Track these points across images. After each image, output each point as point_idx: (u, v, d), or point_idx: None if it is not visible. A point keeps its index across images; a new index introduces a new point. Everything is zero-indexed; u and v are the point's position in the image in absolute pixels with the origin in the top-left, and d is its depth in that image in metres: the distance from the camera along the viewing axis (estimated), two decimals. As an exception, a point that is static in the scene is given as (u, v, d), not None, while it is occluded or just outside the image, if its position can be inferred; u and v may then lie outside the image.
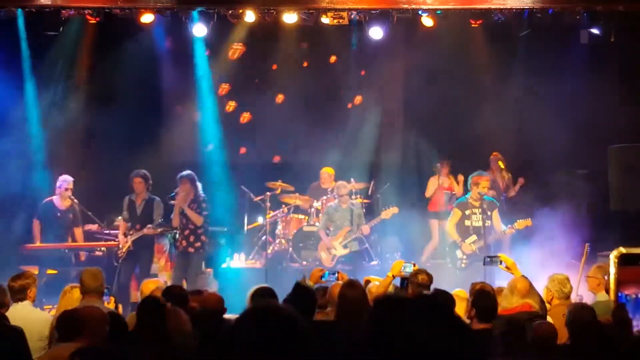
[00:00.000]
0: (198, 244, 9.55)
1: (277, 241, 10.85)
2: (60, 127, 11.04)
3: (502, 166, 11.01)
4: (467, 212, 9.27)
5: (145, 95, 11.71)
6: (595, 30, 10.29)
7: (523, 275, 6.03)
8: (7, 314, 5.46)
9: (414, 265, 6.29)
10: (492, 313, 5.21)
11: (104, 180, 10.86)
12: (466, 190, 9.84)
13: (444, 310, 2.30)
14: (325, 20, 10.17)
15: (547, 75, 10.82)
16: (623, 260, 4.37)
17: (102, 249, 9.94)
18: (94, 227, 10.43)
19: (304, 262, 10.38)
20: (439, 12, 9.97)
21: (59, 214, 9.95)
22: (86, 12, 9.87)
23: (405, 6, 9.82)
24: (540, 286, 6.22)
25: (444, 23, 10.23)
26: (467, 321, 5.16)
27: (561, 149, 10.49)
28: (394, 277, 6.26)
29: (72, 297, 5.92)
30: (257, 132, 12.10)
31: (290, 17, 9.98)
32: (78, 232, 10.06)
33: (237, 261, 10.76)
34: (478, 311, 5.18)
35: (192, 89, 11.87)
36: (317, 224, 10.49)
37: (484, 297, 5.32)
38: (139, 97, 11.49)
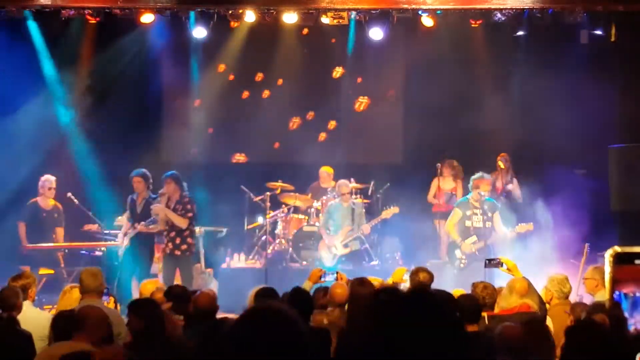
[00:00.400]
0: (184, 247, 9.28)
1: (277, 241, 10.83)
2: (60, 126, 11.03)
3: (503, 166, 10.99)
4: (467, 213, 9.27)
5: (145, 95, 11.72)
6: (595, 31, 10.29)
7: (523, 276, 6.03)
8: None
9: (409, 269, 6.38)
10: (477, 314, 5.22)
11: (103, 180, 10.85)
12: (467, 191, 9.84)
13: (443, 306, 2.30)
14: (325, 20, 10.18)
15: (547, 75, 10.80)
16: (618, 259, 4.36)
17: (102, 249, 9.94)
18: (94, 227, 10.42)
19: (304, 262, 10.36)
20: (439, 12, 9.97)
21: (44, 214, 9.97)
22: (86, 12, 9.88)
23: (405, 6, 9.82)
24: (540, 286, 6.22)
25: (444, 23, 10.24)
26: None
27: (561, 149, 10.48)
28: (394, 284, 6.28)
29: (72, 297, 5.92)
30: (257, 132, 12.07)
31: (290, 17, 9.99)
32: (60, 231, 10.04)
33: (237, 261, 10.74)
34: (463, 313, 5.13)
35: (191, 89, 11.84)
36: (317, 224, 10.49)
37: (468, 298, 5.33)
38: (139, 96, 11.49)
